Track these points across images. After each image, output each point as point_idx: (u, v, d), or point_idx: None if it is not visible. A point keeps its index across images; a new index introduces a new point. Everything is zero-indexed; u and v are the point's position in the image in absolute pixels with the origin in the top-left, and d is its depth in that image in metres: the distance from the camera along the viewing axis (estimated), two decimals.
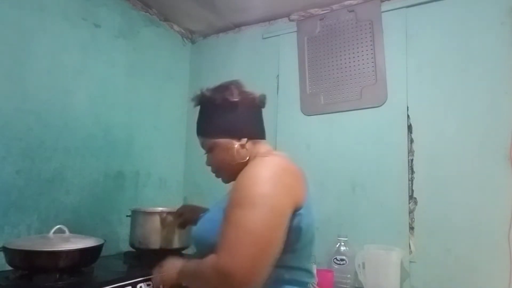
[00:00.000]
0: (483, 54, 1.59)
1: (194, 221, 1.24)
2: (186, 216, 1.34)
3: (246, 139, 1.00)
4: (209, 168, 1.09)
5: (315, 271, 1.15)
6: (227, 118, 1.00)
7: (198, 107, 1.10)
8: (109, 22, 1.87)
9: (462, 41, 1.64)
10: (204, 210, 1.25)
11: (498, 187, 1.50)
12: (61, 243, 1.22)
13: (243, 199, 0.81)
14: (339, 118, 1.89)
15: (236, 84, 1.04)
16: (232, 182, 1.00)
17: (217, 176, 1.08)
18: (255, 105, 1.05)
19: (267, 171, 0.85)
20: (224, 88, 1.02)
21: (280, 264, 0.84)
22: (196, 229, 0.97)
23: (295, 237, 0.87)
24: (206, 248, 0.87)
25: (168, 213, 1.36)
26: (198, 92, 1.07)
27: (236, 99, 1.00)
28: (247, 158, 0.99)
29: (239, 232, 0.78)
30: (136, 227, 1.66)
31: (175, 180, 2.26)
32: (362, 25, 1.86)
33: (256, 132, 1.04)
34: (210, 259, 0.81)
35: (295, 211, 0.86)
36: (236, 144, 0.99)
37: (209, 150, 1.04)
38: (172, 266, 1.01)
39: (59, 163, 1.60)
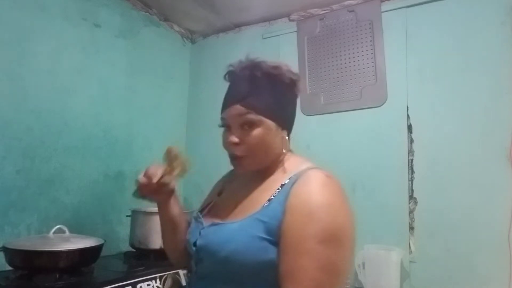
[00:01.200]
0: (483, 54, 1.59)
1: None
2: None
3: (287, 133, 0.88)
4: (231, 146, 0.84)
5: None
6: (286, 103, 0.88)
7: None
8: (109, 22, 1.87)
9: (462, 41, 1.64)
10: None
11: (498, 187, 1.50)
12: (61, 243, 1.23)
13: (323, 233, 0.71)
14: (339, 118, 1.89)
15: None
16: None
17: (237, 158, 0.85)
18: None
19: (337, 195, 0.77)
20: (292, 72, 0.88)
21: None
22: (218, 240, 0.79)
23: None
24: (236, 265, 0.75)
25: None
26: (257, 60, 0.87)
27: (297, 93, 0.90)
28: (282, 153, 0.87)
29: (322, 273, 0.70)
30: (136, 227, 1.66)
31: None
32: (362, 25, 1.86)
33: (291, 131, 0.92)
34: None
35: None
36: (285, 135, 0.87)
37: (251, 125, 0.83)
38: None
39: (59, 163, 1.60)
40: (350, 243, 0.75)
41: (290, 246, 0.72)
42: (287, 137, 0.88)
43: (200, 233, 0.85)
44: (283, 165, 0.86)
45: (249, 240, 0.75)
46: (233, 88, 0.88)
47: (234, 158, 0.86)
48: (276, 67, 0.85)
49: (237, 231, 0.77)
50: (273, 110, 0.84)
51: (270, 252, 0.73)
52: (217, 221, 0.84)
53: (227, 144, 0.86)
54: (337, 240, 0.72)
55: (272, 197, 0.78)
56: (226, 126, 0.86)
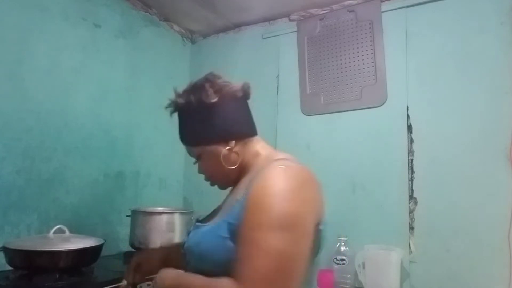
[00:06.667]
0: (483, 54, 1.59)
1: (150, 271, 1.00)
2: (145, 269, 1.05)
3: (233, 141, 0.88)
4: (203, 176, 0.98)
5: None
6: (207, 122, 0.88)
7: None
8: (109, 22, 1.87)
9: (462, 41, 1.64)
10: (163, 252, 1.11)
11: (498, 187, 1.49)
12: (61, 243, 1.23)
13: (269, 221, 0.71)
14: (339, 118, 1.89)
15: (211, 80, 0.90)
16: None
17: (212, 184, 0.97)
18: (238, 99, 0.91)
19: (291, 184, 0.75)
20: (197, 88, 0.89)
21: None
22: (194, 241, 0.85)
23: (313, 255, 0.79)
24: (209, 264, 0.79)
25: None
26: (173, 97, 0.95)
27: (214, 100, 0.86)
28: (239, 162, 0.89)
29: (269, 260, 0.69)
30: (136, 227, 1.67)
31: (175, 180, 2.26)
32: (362, 25, 1.86)
33: (245, 131, 0.92)
34: (228, 284, 0.71)
35: (317, 227, 0.78)
36: (223, 150, 0.88)
37: (197, 158, 0.94)
38: (167, 277, 0.86)
39: (59, 163, 1.60)
40: (304, 229, 0.74)
41: (241, 237, 0.73)
42: (235, 145, 0.89)
43: (188, 236, 0.92)
44: (254, 165, 0.89)
45: (215, 240, 0.79)
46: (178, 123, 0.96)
47: (209, 182, 0.97)
48: (190, 92, 0.90)
49: (207, 233, 0.83)
50: (206, 136, 0.89)
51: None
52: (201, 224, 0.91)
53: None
54: (287, 226, 0.71)
55: (239, 197, 0.81)
56: None
